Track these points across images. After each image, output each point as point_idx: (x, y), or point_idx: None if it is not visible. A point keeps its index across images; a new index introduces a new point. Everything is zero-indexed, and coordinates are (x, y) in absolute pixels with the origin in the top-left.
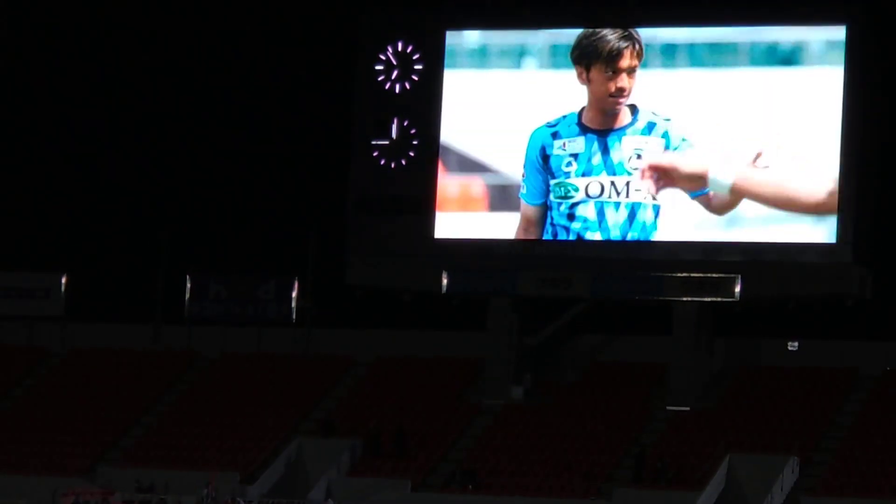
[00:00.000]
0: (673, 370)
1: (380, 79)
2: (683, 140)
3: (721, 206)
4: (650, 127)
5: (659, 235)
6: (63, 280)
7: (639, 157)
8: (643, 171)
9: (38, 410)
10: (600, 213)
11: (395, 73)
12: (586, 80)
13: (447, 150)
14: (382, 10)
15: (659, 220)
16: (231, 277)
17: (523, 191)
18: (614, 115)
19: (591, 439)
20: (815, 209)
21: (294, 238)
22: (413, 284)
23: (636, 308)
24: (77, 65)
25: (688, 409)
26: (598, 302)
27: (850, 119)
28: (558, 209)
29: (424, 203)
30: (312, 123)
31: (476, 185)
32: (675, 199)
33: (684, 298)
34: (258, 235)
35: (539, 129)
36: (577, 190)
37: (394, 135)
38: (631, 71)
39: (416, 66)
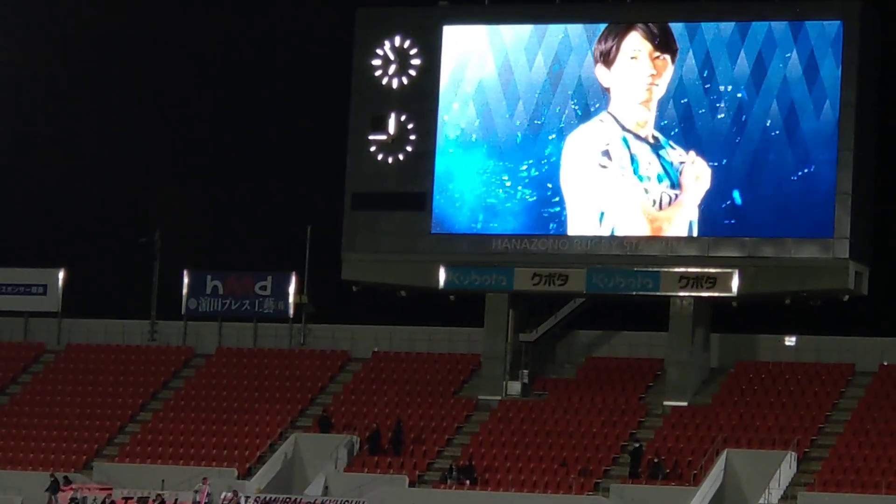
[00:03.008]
0: (670, 366)
1: (377, 74)
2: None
3: None
4: None
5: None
6: (60, 276)
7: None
8: None
9: (34, 406)
10: None
11: (392, 69)
12: None
13: None
14: (379, 5)
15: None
16: (228, 273)
17: None
18: None
19: (587, 435)
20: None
21: (291, 234)
22: (410, 280)
23: (633, 304)
24: (75, 63)
25: (685, 404)
26: (594, 298)
27: (847, 113)
28: None
29: (421, 199)
30: (309, 119)
31: None
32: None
33: (681, 294)
34: (255, 231)
35: None
36: None
37: (391, 130)
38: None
39: (414, 62)
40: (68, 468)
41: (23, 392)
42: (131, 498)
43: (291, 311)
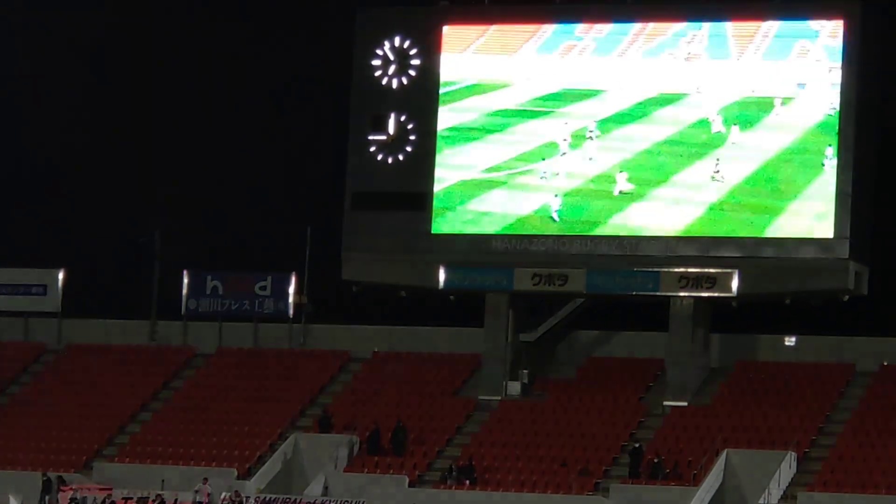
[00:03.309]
0: (669, 366)
1: (377, 74)
2: None
3: None
4: None
5: (655, 230)
6: (60, 276)
7: None
8: None
9: (34, 406)
10: None
11: (392, 69)
12: None
13: None
14: (379, 6)
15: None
16: (228, 273)
17: None
18: None
19: (587, 435)
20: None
21: (291, 234)
22: (410, 280)
23: (633, 304)
24: (75, 63)
25: (685, 404)
26: (594, 298)
27: (847, 113)
28: None
29: (421, 198)
30: (309, 119)
31: None
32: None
33: (681, 294)
34: (255, 231)
35: None
36: None
37: (391, 130)
38: None
39: (413, 61)
40: (68, 468)
41: (23, 392)
42: (131, 498)
43: (291, 311)
